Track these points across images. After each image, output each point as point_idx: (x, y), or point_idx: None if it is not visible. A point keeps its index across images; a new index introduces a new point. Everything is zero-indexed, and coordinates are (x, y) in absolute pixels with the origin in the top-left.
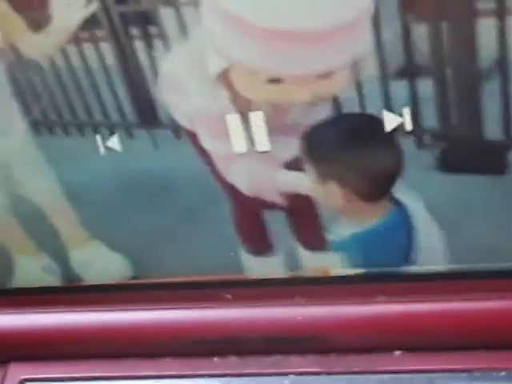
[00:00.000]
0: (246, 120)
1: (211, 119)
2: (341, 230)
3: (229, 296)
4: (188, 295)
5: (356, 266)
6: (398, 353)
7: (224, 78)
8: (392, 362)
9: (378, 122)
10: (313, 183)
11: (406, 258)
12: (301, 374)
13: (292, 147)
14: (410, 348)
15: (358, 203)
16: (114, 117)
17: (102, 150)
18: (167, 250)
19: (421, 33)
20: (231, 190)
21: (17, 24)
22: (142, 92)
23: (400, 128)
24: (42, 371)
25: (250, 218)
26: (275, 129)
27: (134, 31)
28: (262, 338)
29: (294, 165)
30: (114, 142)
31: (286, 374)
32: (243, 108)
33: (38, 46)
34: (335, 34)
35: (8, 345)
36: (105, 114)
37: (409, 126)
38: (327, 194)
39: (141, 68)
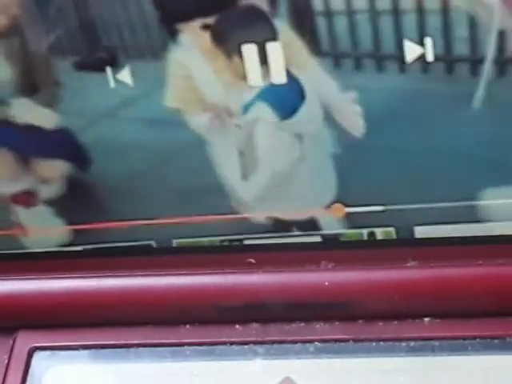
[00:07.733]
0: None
1: None
2: None
3: (252, 261)
4: (210, 260)
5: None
6: (427, 319)
7: None
8: (421, 328)
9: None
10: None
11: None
12: (327, 341)
13: None
14: (440, 315)
15: None
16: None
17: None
18: None
19: None
20: None
21: None
22: None
23: None
24: (53, 339)
25: None
26: None
27: None
28: (286, 305)
29: None
30: (125, 75)
31: (311, 342)
32: None
33: None
34: None
35: (16, 312)
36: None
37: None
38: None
39: None
